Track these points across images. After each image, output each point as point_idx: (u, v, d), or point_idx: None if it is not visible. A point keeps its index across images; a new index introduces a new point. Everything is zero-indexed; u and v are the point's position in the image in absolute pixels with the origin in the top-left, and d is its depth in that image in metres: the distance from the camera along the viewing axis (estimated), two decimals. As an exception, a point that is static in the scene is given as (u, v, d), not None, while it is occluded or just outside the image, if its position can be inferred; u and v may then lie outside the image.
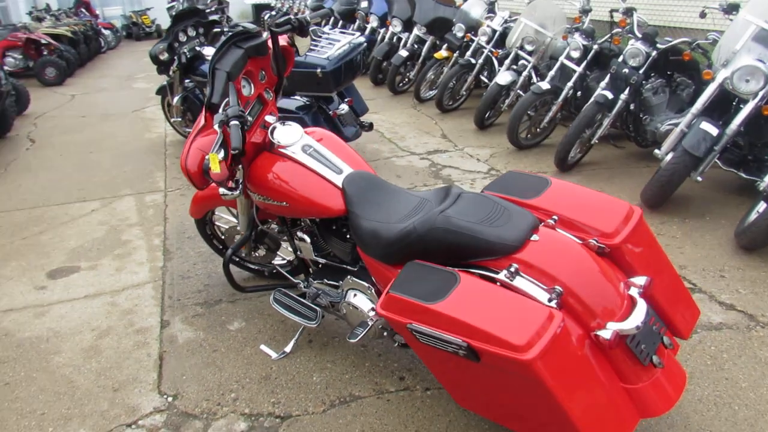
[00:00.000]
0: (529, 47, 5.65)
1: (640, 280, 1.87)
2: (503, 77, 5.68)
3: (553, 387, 1.59)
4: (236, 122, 2.08)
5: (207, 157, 2.14)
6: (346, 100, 5.14)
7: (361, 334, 2.24)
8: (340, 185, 2.32)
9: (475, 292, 1.76)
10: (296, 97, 4.94)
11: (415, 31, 7.76)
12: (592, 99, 4.41)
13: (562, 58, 5.15)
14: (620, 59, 4.40)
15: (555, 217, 2.02)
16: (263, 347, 2.72)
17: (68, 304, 3.16)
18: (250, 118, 2.39)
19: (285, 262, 3.19)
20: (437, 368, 1.93)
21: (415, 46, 7.84)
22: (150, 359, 2.69)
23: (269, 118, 2.55)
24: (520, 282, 1.82)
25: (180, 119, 5.80)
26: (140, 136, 6.55)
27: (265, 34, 2.56)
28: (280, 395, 2.43)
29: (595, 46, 4.92)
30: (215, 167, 2.04)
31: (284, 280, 3.12)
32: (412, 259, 2.00)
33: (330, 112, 4.97)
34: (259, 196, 2.45)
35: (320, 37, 4.90)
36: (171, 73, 5.31)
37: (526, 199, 2.10)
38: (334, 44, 4.74)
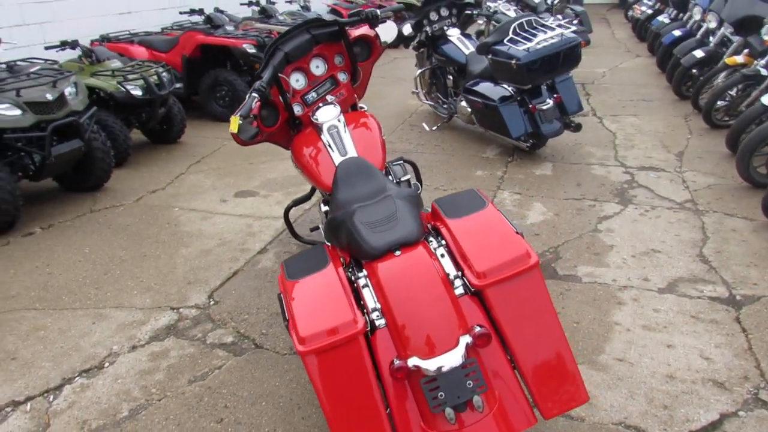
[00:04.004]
0: (822, 63, 4.39)
1: (477, 329, 1.69)
2: (773, 97, 4.56)
3: (318, 386, 1.68)
4: (255, 94, 2.51)
5: (231, 118, 2.62)
6: (554, 95, 4.92)
7: None
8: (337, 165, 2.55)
9: (321, 283, 1.88)
10: (504, 85, 4.96)
11: (722, 29, 6.59)
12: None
13: (839, 83, 3.90)
14: None
15: (443, 240, 1.92)
16: (295, 291, 3.15)
17: (225, 217, 4.11)
18: (270, 95, 2.69)
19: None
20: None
21: (725, 47, 6.68)
22: (228, 272, 3.40)
23: (329, 97, 2.88)
24: (365, 289, 1.86)
25: (425, 91, 6.36)
26: (403, 101, 7.33)
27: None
28: (271, 330, 2.86)
29: None
30: (233, 127, 2.52)
31: None
32: (331, 243, 2.17)
33: (530, 106, 4.85)
34: (293, 161, 2.84)
35: (536, 27, 4.75)
36: (411, 48, 5.85)
37: (447, 217, 2.01)
38: (541, 35, 4.57)
